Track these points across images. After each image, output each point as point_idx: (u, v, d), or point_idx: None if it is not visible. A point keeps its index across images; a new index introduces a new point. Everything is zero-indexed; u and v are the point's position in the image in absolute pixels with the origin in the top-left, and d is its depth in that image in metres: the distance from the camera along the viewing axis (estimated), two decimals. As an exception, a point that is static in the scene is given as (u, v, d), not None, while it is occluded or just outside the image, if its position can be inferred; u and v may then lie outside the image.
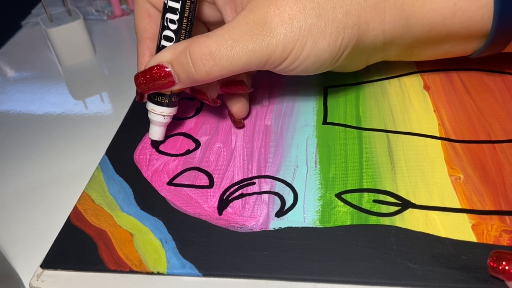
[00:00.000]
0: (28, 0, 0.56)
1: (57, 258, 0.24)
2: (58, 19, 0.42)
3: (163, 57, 0.27)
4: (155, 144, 0.31)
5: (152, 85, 0.27)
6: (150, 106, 0.29)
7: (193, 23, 0.28)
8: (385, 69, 0.35)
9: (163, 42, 0.28)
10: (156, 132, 0.30)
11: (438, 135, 0.29)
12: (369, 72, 0.35)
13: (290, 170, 0.28)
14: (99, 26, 0.50)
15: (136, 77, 0.28)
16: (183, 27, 0.28)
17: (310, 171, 0.28)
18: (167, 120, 0.30)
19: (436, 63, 0.34)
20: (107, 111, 0.37)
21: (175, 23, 0.28)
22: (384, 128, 0.30)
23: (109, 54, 0.45)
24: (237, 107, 0.31)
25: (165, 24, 0.28)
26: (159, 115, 0.30)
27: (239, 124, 0.31)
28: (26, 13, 0.54)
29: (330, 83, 0.34)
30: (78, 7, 0.47)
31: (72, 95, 0.40)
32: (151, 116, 0.30)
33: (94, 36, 0.48)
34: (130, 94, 0.37)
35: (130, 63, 0.43)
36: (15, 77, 0.43)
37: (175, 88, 0.27)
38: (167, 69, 0.26)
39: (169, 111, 0.30)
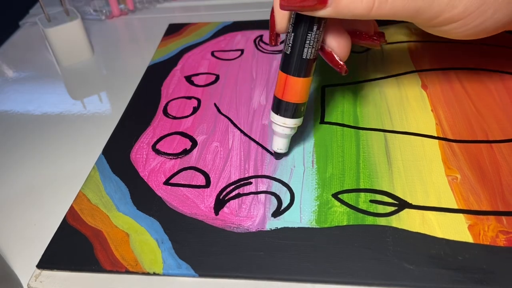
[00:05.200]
0: (26, 0, 0.56)
1: (53, 259, 0.24)
2: (56, 19, 0.42)
3: None
4: (278, 157, 0.28)
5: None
6: (274, 117, 0.26)
7: None
8: (383, 68, 0.35)
9: None
10: (280, 144, 0.27)
11: (436, 135, 0.29)
12: (367, 72, 0.35)
13: (287, 170, 0.28)
14: (97, 26, 0.50)
15: None
16: None
17: (307, 171, 0.27)
18: (292, 132, 0.27)
19: (434, 62, 0.34)
20: (106, 111, 0.37)
21: None
22: (381, 128, 0.30)
23: (107, 54, 0.45)
24: (342, 44, 0.26)
25: None
26: (284, 127, 0.26)
27: (343, 68, 0.26)
28: (24, 13, 0.54)
29: (327, 82, 0.34)
30: (76, 7, 0.47)
31: (70, 95, 0.40)
32: (275, 127, 0.27)
33: (92, 36, 0.48)
34: (128, 93, 0.37)
35: (128, 63, 0.43)
36: (13, 77, 0.43)
37: (321, 13, 0.22)
38: None
39: (294, 122, 0.26)
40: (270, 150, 0.29)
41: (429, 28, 0.25)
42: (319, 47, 0.25)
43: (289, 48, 0.24)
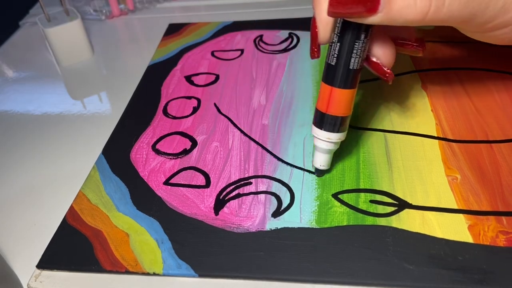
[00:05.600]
0: (26, 0, 0.56)
1: (52, 259, 0.24)
2: (56, 19, 0.42)
3: None
4: (320, 174, 0.27)
5: (349, 4, 0.21)
6: (318, 132, 0.25)
7: None
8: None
9: None
10: (322, 160, 0.26)
11: (436, 135, 0.29)
12: (366, 71, 0.35)
13: (287, 170, 0.28)
14: (97, 26, 0.50)
15: None
16: None
17: (307, 171, 0.27)
18: (336, 147, 0.26)
19: (435, 62, 0.34)
20: (106, 111, 0.37)
21: None
22: (381, 128, 0.30)
23: (107, 54, 0.45)
24: (387, 52, 0.25)
25: None
26: (328, 142, 0.25)
27: (391, 76, 0.25)
28: (24, 13, 0.54)
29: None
30: (76, 7, 0.47)
31: (70, 95, 0.40)
32: (318, 143, 0.25)
33: (92, 36, 0.48)
34: (128, 93, 0.37)
35: (128, 63, 0.43)
36: (13, 77, 0.43)
37: (371, 20, 0.21)
38: None
39: (339, 136, 0.25)
40: (270, 150, 0.29)
41: (477, 34, 0.24)
42: (365, 56, 0.23)
43: (334, 58, 0.23)
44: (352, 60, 0.23)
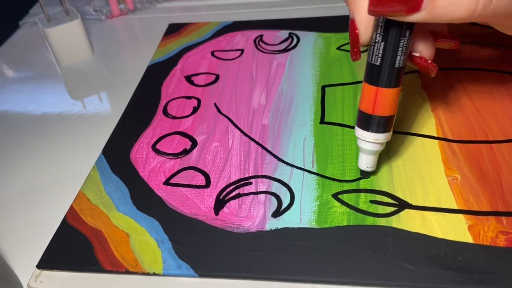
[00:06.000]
0: (26, 0, 0.56)
1: (52, 259, 0.24)
2: (56, 19, 0.42)
3: None
4: (366, 176, 0.27)
5: (390, 2, 0.20)
6: (364, 134, 0.25)
7: None
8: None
9: None
10: (369, 162, 0.26)
11: (436, 135, 0.29)
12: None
13: (287, 170, 0.28)
14: (97, 26, 0.50)
15: None
16: None
17: (307, 171, 0.27)
18: (382, 148, 0.25)
19: (435, 62, 0.34)
20: (106, 111, 0.37)
21: None
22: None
23: (107, 54, 0.45)
24: (428, 46, 0.24)
25: None
26: (375, 143, 0.25)
27: (435, 69, 0.24)
28: (24, 13, 0.54)
29: (327, 82, 0.34)
30: (76, 7, 0.47)
31: (70, 95, 0.40)
32: (363, 145, 0.25)
33: (92, 36, 0.48)
34: (128, 93, 0.37)
35: (128, 63, 0.43)
36: (13, 77, 0.43)
37: (413, 17, 0.20)
38: None
39: (386, 137, 0.24)
40: (270, 150, 0.29)
41: None
42: (408, 53, 0.23)
43: (379, 58, 0.22)
44: (398, 58, 0.22)
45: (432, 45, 0.24)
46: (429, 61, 0.24)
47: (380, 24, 0.22)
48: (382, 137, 0.24)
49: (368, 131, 0.24)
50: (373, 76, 0.23)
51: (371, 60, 0.23)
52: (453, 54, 0.35)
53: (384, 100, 0.23)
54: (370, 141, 0.25)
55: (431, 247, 0.22)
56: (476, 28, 0.37)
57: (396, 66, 0.22)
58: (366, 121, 0.24)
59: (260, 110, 0.33)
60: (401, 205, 0.25)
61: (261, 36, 0.42)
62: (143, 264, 0.23)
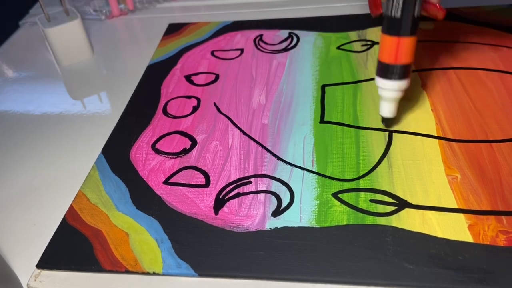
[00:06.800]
0: (26, 0, 0.56)
1: (52, 258, 0.24)
2: (56, 19, 0.42)
3: None
4: (389, 123, 0.29)
5: None
6: (387, 84, 0.27)
7: None
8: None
9: None
10: (392, 108, 0.28)
11: (436, 135, 0.28)
12: (367, 71, 0.35)
13: (287, 169, 0.28)
14: (97, 26, 0.50)
15: None
16: None
17: (307, 170, 0.27)
18: (399, 95, 0.28)
19: (435, 62, 0.34)
20: (106, 110, 0.37)
21: None
22: (381, 127, 0.30)
23: (107, 54, 0.45)
24: None
25: None
26: (397, 91, 0.27)
27: (444, 12, 0.28)
28: (24, 13, 0.54)
29: (327, 81, 0.34)
30: (76, 7, 0.47)
31: (70, 95, 0.40)
32: (386, 93, 0.28)
33: (92, 36, 0.48)
34: (128, 93, 0.37)
35: (128, 62, 0.43)
36: (13, 77, 0.43)
37: None
38: None
39: (406, 83, 0.27)
40: (270, 150, 0.29)
41: None
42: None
43: (399, 10, 0.25)
44: (417, 8, 0.25)
45: None
46: (438, 5, 0.27)
47: None
48: (403, 84, 0.27)
49: (390, 79, 0.27)
50: (394, 27, 0.26)
51: (391, 13, 0.25)
52: (453, 54, 0.35)
53: (406, 48, 0.26)
54: (392, 90, 0.27)
55: (431, 246, 0.22)
56: (476, 28, 0.37)
57: (416, 16, 0.25)
58: (387, 71, 0.27)
59: (260, 109, 0.33)
60: (401, 204, 0.25)
61: (261, 35, 0.42)
62: (143, 263, 0.23)
